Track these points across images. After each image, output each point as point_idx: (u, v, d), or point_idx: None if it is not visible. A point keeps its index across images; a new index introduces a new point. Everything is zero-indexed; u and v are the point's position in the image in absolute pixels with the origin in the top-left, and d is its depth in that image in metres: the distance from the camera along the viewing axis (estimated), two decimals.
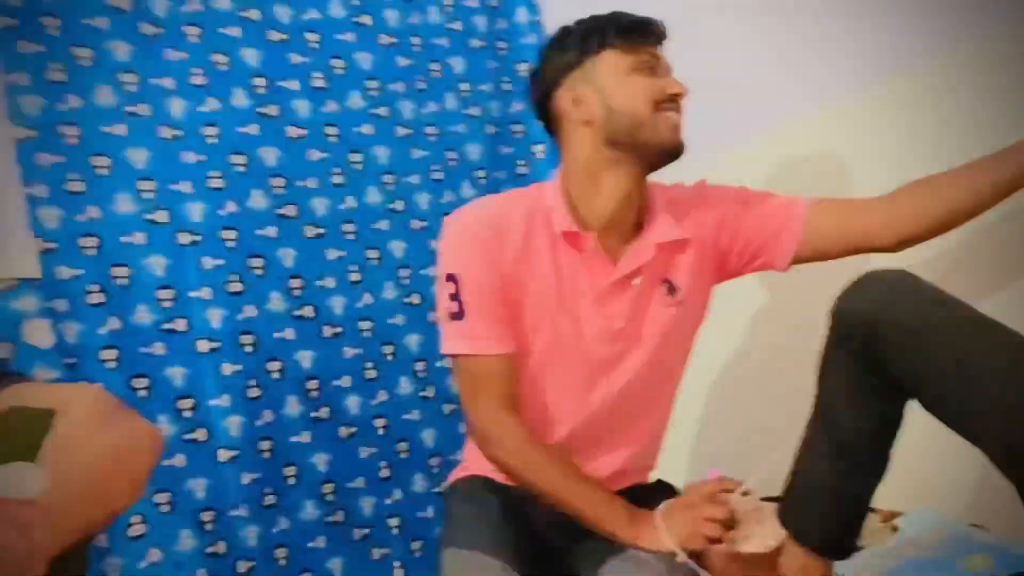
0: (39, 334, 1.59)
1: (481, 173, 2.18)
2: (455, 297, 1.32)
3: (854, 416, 1.18)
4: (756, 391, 1.90)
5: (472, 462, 1.49)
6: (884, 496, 1.35)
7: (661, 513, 1.28)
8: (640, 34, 1.35)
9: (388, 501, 1.95)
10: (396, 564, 1.93)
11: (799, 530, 1.26)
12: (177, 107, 1.80)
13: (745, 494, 1.28)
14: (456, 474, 1.53)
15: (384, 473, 1.95)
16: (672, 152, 1.34)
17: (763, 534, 1.49)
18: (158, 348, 1.71)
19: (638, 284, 1.38)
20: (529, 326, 1.37)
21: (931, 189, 1.29)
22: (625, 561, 1.26)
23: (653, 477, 1.56)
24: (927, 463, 1.44)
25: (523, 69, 2.23)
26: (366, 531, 1.91)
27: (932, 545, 1.37)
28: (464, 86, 2.18)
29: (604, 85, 1.33)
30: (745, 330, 1.92)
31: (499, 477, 1.42)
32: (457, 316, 1.32)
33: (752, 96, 1.79)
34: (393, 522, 1.94)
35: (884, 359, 1.09)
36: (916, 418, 1.10)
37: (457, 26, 2.20)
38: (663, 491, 1.51)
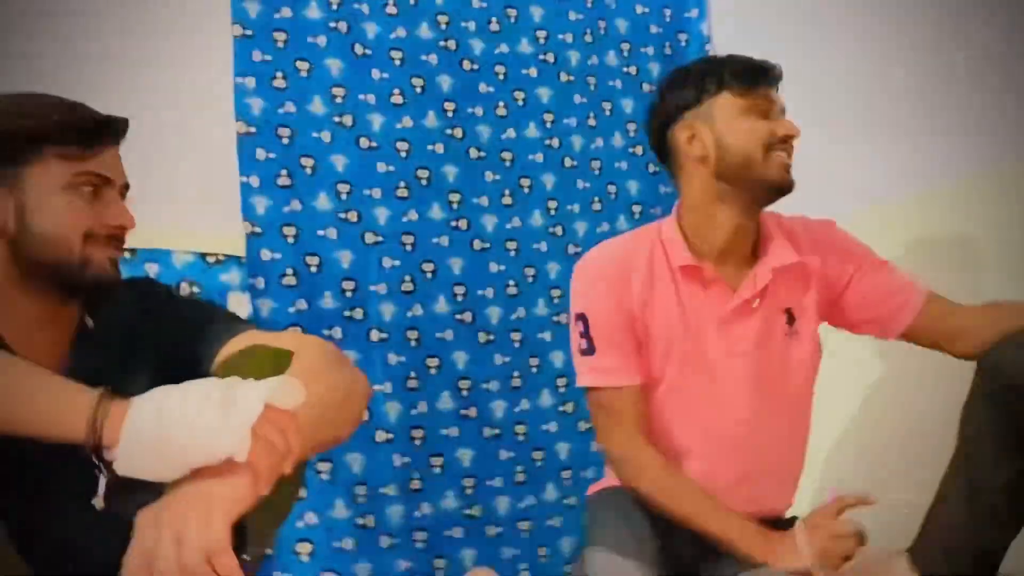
0: (239, 306, 1.80)
1: (637, 208, 2.30)
2: (584, 334, 1.41)
3: (995, 467, 1.19)
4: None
5: (605, 480, 1.57)
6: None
7: (799, 531, 1.33)
8: (755, 78, 1.39)
9: (521, 505, 2.06)
10: (523, 567, 2.03)
11: (931, 575, 1.29)
12: (376, 121, 2.00)
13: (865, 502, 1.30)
14: (601, 484, 1.59)
15: (520, 477, 2.07)
16: (782, 189, 1.39)
17: None
18: (336, 332, 1.91)
19: (757, 306, 1.42)
20: (658, 356, 1.42)
21: (1009, 310, 1.33)
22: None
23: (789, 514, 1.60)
24: None
25: None
26: (499, 529, 2.03)
27: None
28: (631, 125, 2.31)
29: (719, 124, 1.38)
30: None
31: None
32: (588, 352, 1.41)
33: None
34: (524, 525, 2.05)
35: None
36: None
37: (632, 70, 2.34)
38: None
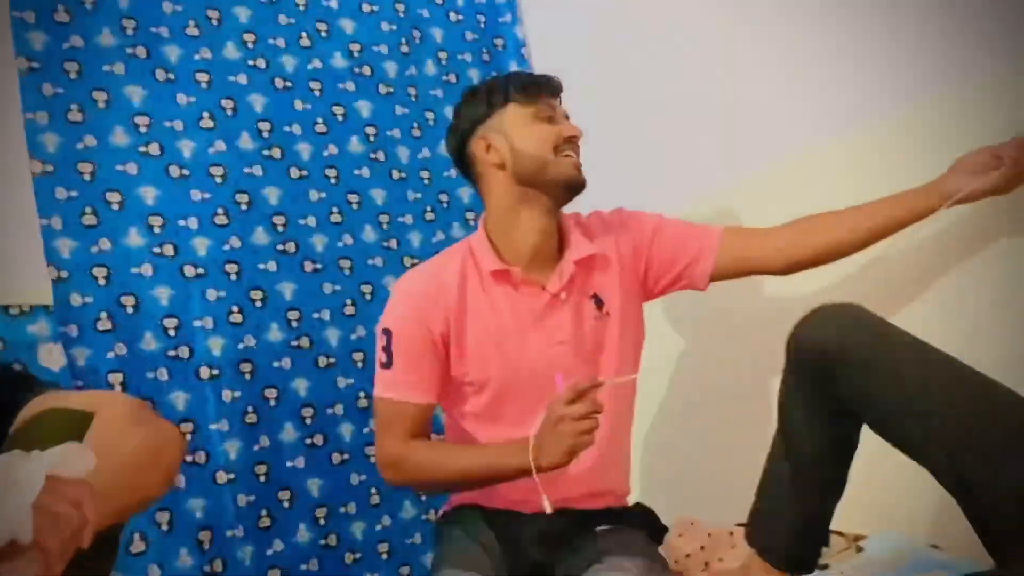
0: (51, 357, 1.68)
1: (471, 215, 2.29)
2: (386, 348, 1.48)
3: (812, 439, 1.25)
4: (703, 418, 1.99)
5: (461, 495, 1.57)
6: (850, 520, 1.43)
7: (533, 435, 1.32)
8: (537, 89, 1.52)
9: (378, 527, 2.02)
10: None
11: (764, 548, 1.33)
12: (187, 148, 1.91)
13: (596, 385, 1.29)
14: (447, 505, 1.62)
15: (375, 500, 2.03)
16: (574, 187, 1.50)
17: (734, 555, 1.58)
18: (162, 373, 1.80)
19: (565, 298, 1.51)
20: (478, 361, 1.49)
21: (819, 224, 1.48)
22: (605, 570, 1.34)
23: (631, 501, 1.64)
24: (891, 490, 1.52)
25: None
26: (357, 555, 1.98)
27: (894, 564, 1.45)
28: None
29: (510, 133, 1.49)
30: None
31: (487, 504, 1.51)
32: (386, 365, 1.48)
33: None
34: (383, 547, 2.01)
35: (838, 386, 1.16)
36: (882, 447, 1.17)
37: (452, 78, 2.33)
38: (644, 513, 1.59)
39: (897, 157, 1.55)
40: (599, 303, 1.54)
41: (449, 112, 2.26)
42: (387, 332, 1.48)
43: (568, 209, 1.57)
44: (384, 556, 2.01)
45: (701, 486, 1.95)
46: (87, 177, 1.79)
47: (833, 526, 1.36)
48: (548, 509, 1.29)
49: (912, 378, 1.12)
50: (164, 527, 1.75)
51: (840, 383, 1.16)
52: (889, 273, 1.57)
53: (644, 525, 1.56)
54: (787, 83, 1.76)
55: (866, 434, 1.22)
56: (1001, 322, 1.41)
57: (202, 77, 1.96)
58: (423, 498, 2.10)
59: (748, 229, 1.58)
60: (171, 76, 1.92)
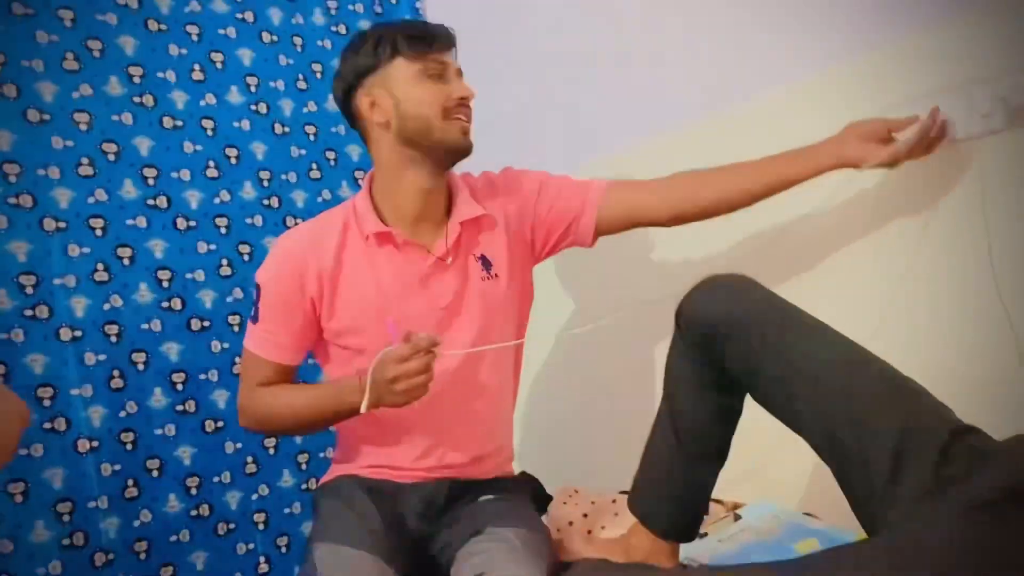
0: None
1: (360, 173, 2.21)
2: (255, 302, 1.45)
3: (696, 408, 1.26)
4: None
5: (341, 464, 1.53)
6: (729, 490, 1.45)
7: (368, 379, 1.31)
8: (428, 42, 1.42)
9: (254, 497, 1.94)
10: (262, 559, 1.92)
11: (646, 515, 1.33)
12: (47, 92, 1.76)
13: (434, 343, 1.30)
14: (326, 476, 1.56)
15: (251, 468, 1.95)
16: (461, 152, 1.43)
17: (617, 522, 1.58)
18: (18, 334, 1.67)
19: (452, 261, 1.46)
20: (351, 324, 1.45)
21: (705, 179, 1.47)
22: (485, 540, 1.32)
23: (517, 469, 1.62)
24: (767, 459, 1.55)
25: None
26: (231, 525, 1.90)
27: (770, 531, 1.48)
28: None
29: (396, 90, 1.41)
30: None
31: (367, 474, 1.47)
32: (253, 319, 1.45)
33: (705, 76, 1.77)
34: (259, 517, 1.94)
35: (723, 357, 1.17)
36: (761, 417, 1.18)
37: (341, 29, 2.23)
38: (528, 482, 1.58)
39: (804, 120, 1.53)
40: (487, 264, 1.50)
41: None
42: (258, 287, 1.45)
43: (460, 168, 1.51)
44: (261, 526, 1.94)
45: (583, 454, 1.96)
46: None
47: (713, 495, 1.37)
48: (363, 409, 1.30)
49: (793, 350, 1.13)
50: (18, 498, 1.63)
51: (725, 353, 1.17)
52: (789, 246, 1.59)
53: (527, 493, 1.54)
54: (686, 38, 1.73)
55: (746, 402, 1.23)
56: (905, 297, 1.44)
57: (66, 15, 1.80)
58: (303, 467, 2.03)
59: (634, 182, 1.56)
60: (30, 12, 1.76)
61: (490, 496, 1.48)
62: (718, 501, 1.62)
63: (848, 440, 1.05)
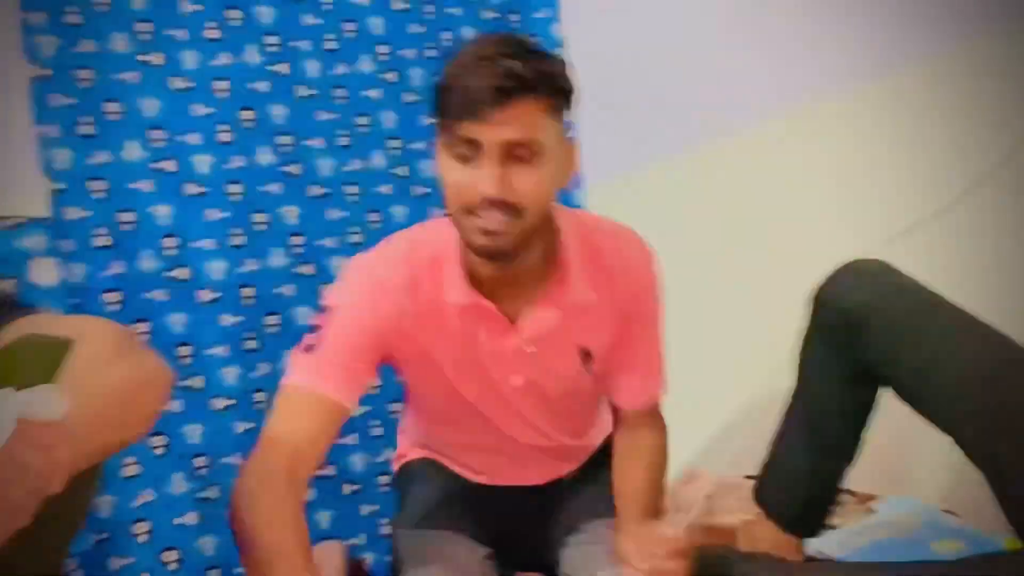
0: (45, 272, 1.61)
1: None
2: (320, 330, 1.16)
3: (829, 399, 1.21)
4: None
5: (420, 447, 1.48)
6: (863, 481, 1.39)
7: None
8: (455, 111, 1.03)
9: (379, 459, 1.98)
10: (383, 521, 1.96)
11: (772, 507, 1.30)
12: (190, 59, 1.81)
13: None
14: (405, 455, 1.51)
15: (376, 431, 1.98)
16: (489, 258, 1.11)
17: (740, 508, 1.54)
18: (159, 295, 1.74)
19: (533, 352, 1.22)
20: (419, 381, 1.29)
21: (628, 463, 1.34)
22: (591, 543, 1.30)
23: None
24: (906, 452, 1.49)
25: None
26: (356, 487, 1.95)
27: (906, 527, 1.42)
28: None
29: (439, 161, 1.10)
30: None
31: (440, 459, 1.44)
32: (310, 348, 1.15)
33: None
34: (383, 479, 1.98)
35: (862, 346, 1.12)
36: (899, 407, 1.13)
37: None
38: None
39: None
40: (587, 357, 1.26)
41: (468, 34, 2.18)
42: (330, 311, 1.17)
43: None
44: (384, 488, 1.97)
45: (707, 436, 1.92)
46: (85, 84, 1.70)
47: (844, 485, 1.32)
48: None
49: (942, 344, 1.07)
50: (159, 451, 1.71)
51: (864, 345, 1.12)
52: None
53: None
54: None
55: (883, 394, 1.18)
56: None
57: None
58: None
59: (640, 422, 1.35)
60: None
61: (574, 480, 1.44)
62: (850, 492, 1.56)
63: (1003, 448, 0.98)
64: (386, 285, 1.17)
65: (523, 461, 1.38)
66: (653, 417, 1.36)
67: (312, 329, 1.16)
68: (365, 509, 1.96)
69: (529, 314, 1.20)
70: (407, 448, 1.51)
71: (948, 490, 1.51)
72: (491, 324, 1.20)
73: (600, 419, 1.46)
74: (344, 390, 1.13)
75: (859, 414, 1.23)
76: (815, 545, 1.35)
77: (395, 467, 1.53)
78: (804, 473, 1.26)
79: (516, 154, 1.04)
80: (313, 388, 1.11)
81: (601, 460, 1.42)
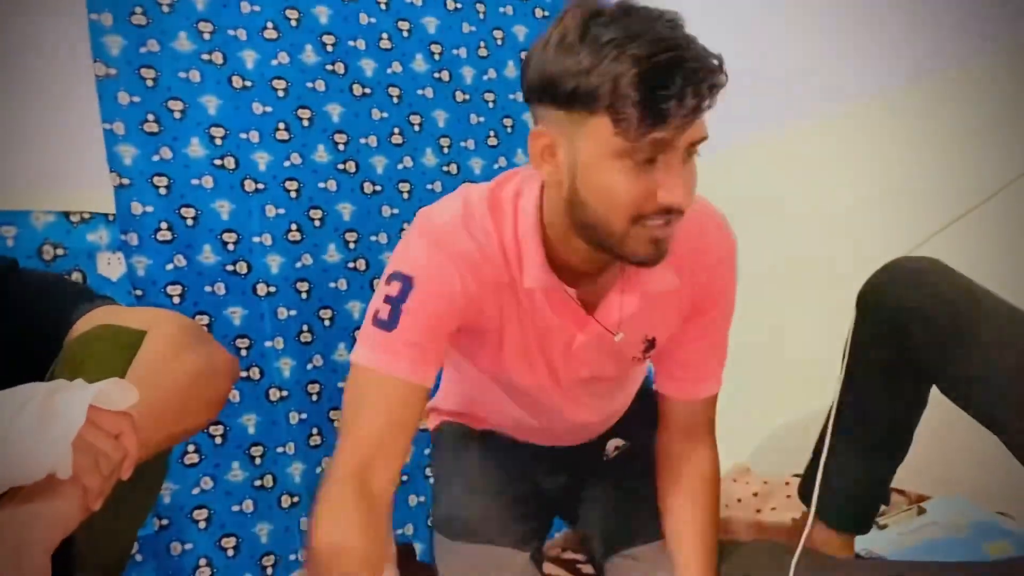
0: (111, 266, 1.67)
1: None
2: (395, 300, 1.04)
3: (878, 398, 1.20)
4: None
5: (458, 414, 1.47)
6: (914, 481, 1.38)
7: None
8: (662, 114, 0.89)
9: (426, 451, 2.01)
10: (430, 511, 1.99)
11: (819, 505, 1.28)
12: (249, 58, 1.86)
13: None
14: (440, 417, 1.51)
15: (422, 426, 2.01)
16: (644, 265, 1.03)
17: (787, 506, 1.54)
18: (220, 287, 1.79)
19: (620, 339, 1.16)
20: (481, 359, 1.23)
21: (686, 526, 1.25)
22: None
23: None
24: (958, 452, 1.46)
25: None
26: (404, 477, 1.98)
27: (958, 528, 1.40)
28: (524, 54, 2.21)
29: (581, 154, 0.96)
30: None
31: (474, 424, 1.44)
32: (386, 325, 1.04)
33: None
34: (429, 472, 2.01)
35: (911, 346, 1.10)
36: (952, 407, 1.11)
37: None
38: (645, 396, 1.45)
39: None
40: (650, 347, 1.21)
41: (519, 33, 2.21)
42: (405, 279, 1.04)
43: None
44: (431, 480, 2.00)
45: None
46: (149, 83, 1.75)
47: (894, 485, 1.31)
48: None
49: (992, 344, 1.04)
50: (218, 440, 1.76)
51: (913, 344, 1.10)
52: None
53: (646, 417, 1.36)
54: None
55: (934, 393, 1.16)
56: None
57: None
58: None
59: (692, 433, 1.28)
60: None
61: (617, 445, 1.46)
62: (901, 492, 1.55)
63: None
64: (462, 256, 1.05)
65: (565, 432, 1.40)
66: (708, 427, 1.28)
67: (383, 299, 1.05)
68: (413, 500, 2.00)
69: (610, 301, 1.13)
70: (440, 402, 1.50)
71: (1003, 491, 1.49)
72: (568, 312, 1.13)
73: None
74: (421, 372, 1.04)
75: (908, 412, 1.21)
76: (865, 543, 1.34)
77: (430, 425, 1.50)
78: (852, 472, 1.25)
79: (689, 152, 0.96)
80: (392, 371, 1.03)
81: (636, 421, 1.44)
